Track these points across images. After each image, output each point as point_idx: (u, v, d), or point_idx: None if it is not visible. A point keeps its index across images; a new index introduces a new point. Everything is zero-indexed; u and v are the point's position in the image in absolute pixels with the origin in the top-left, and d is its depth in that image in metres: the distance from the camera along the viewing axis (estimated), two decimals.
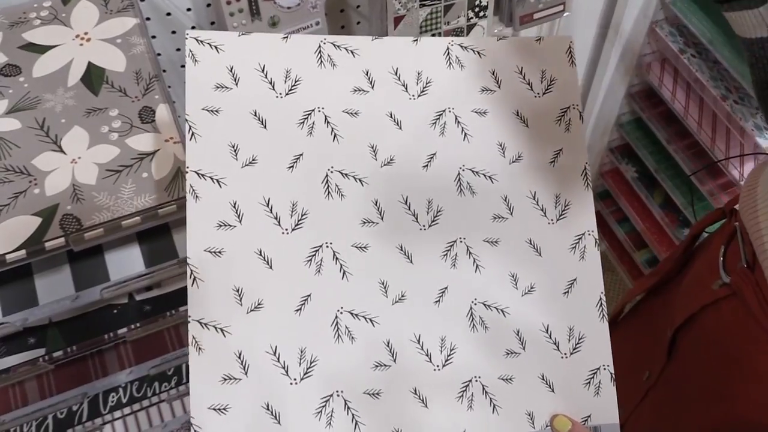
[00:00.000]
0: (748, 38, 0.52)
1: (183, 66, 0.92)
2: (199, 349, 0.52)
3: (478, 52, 0.59)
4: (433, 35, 0.89)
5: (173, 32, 0.88)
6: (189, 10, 0.87)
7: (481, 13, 0.90)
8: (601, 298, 0.58)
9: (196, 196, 0.54)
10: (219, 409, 0.52)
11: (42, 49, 0.73)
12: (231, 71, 0.55)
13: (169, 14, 0.86)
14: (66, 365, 0.75)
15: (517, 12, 0.96)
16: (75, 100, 0.69)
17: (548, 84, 0.60)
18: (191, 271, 0.53)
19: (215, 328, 0.53)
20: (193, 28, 0.89)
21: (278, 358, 0.54)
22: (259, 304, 0.54)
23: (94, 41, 0.73)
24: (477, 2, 0.89)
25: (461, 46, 0.59)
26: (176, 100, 0.89)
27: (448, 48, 0.59)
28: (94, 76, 0.70)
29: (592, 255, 0.58)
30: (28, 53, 0.72)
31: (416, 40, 0.58)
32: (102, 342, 0.72)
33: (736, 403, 0.56)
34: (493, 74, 0.60)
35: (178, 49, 0.90)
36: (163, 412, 0.83)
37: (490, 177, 0.58)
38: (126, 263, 0.68)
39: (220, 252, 0.54)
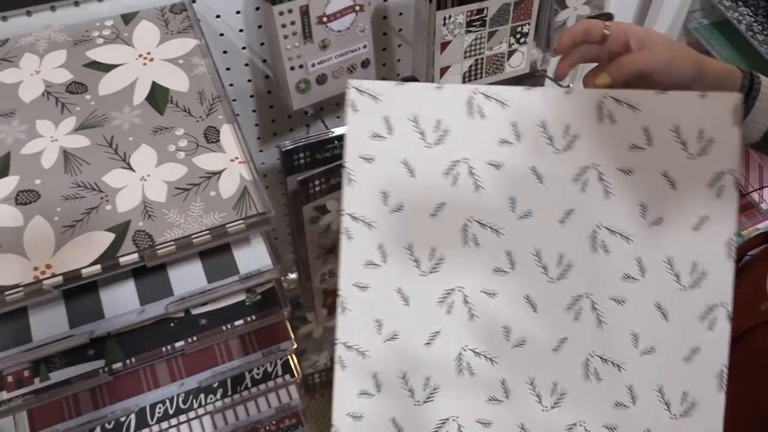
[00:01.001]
0: None
1: (231, 85, 0.95)
2: (343, 366, 0.60)
3: (633, 106, 0.57)
4: (476, 60, 0.91)
5: (224, 52, 0.90)
6: (241, 30, 0.89)
7: (522, 40, 0.93)
8: (722, 370, 0.57)
9: (349, 237, 0.60)
10: (355, 417, 0.60)
11: (106, 68, 0.75)
12: (386, 121, 0.58)
13: (222, 35, 0.88)
14: (120, 377, 0.76)
15: (554, 39, 0.99)
16: (141, 119, 0.71)
17: (705, 145, 0.56)
18: (341, 301, 0.60)
19: (356, 350, 0.60)
20: (243, 48, 0.91)
21: (406, 383, 0.60)
22: (394, 335, 0.60)
23: (157, 61, 0.76)
24: (519, 29, 0.92)
25: (615, 100, 0.57)
26: None
27: (601, 101, 0.57)
28: (158, 96, 0.73)
29: (721, 327, 0.56)
30: (93, 71, 0.74)
31: (569, 91, 0.57)
32: (160, 354, 0.73)
33: None
34: (646, 131, 0.57)
35: (228, 69, 0.92)
36: (205, 424, 0.85)
37: (626, 237, 0.58)
38: (188, 278, 0.70)
39: (365, 287, 0.60)
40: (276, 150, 1.06)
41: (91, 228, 0.63)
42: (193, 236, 0.64)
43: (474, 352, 0.60)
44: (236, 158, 0.69)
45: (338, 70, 0.90)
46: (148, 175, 0.67)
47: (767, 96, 0.59)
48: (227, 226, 0.64)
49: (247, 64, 0.93)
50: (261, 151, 1.05)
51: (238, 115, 0.98)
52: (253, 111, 0.99)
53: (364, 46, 0.91)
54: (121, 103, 0.72)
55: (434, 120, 0.58)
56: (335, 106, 1.06)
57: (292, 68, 0.86)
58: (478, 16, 0.87)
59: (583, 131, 0.57)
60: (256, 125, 1.01)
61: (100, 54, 0.76)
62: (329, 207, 0.96)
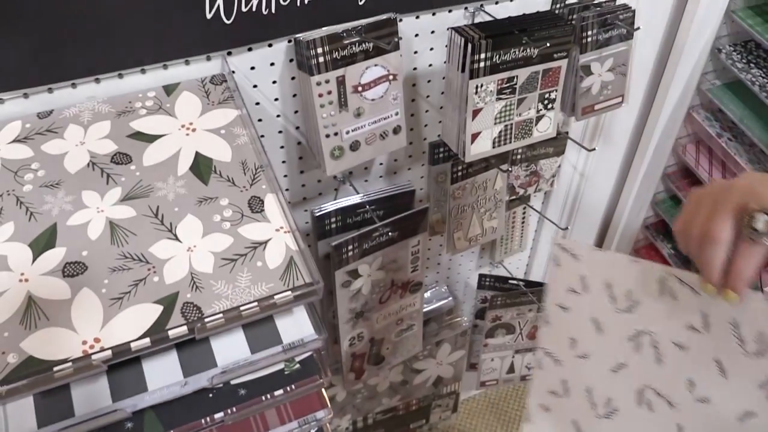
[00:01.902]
0: None
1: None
2: None
3: None
4: (506, 126, 0.93)
5: (260, 120, 0.92)
6: (276, 99, 0.91)
7: (550, 106, 0.95)
8: None
9: (540, 367, 0.68)
10: None
11: (150, 138, 0.76)
12: (582, 280, 0.62)
13: (258, 103, 0.90)
14: None
15: (580, 104, 1.01)
16: (186, 189, 0.71)
17: None
18: (528, 414, 0.71)
19: None
20: (278, 116, 0.93)
21: None
22: None
23: (200, 131, 0.77)
24: (547, 96, 0.93)
25: None
26: None
27: None
28: (202, 166, 0.73)
29: None
30: (137, 142, 0.75)
31: None
32: (199, 427, 0.72)
33: None
34: None
35: (263, 136, 0.93)
36: None
37: None
38: (231, 348, 0.69)
39: (548, 409, 0.70)
40: (304, 214, 1.07)
41: (139, 300, 0.63)
42: (241, 308, 0.63)
43: None
44: (281, 228, 0.69)
45: (371, 136, 0.91)
46: (195, 246, 0.67)
47: None
48: (275, 297, 0.64)
49: (280, 132, 0.94)
50: None
51: None
52: (285, 176, 1.00)
53: (396, 114, 0.92)
54: (165, 174, 0.73)
55: (626, 289, 0.60)
56: (364, 170, 1.07)
57: (327, 136, 0.87)
58: (508, 84, 0.89)
59: None
60: (287, 190, 1.02)
61: (143, 124, 0.77)
62: (361, 271, 0.97)
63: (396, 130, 0.94)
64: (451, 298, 1.38)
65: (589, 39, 0.95)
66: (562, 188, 1.40)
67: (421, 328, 1.16)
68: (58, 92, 0.77)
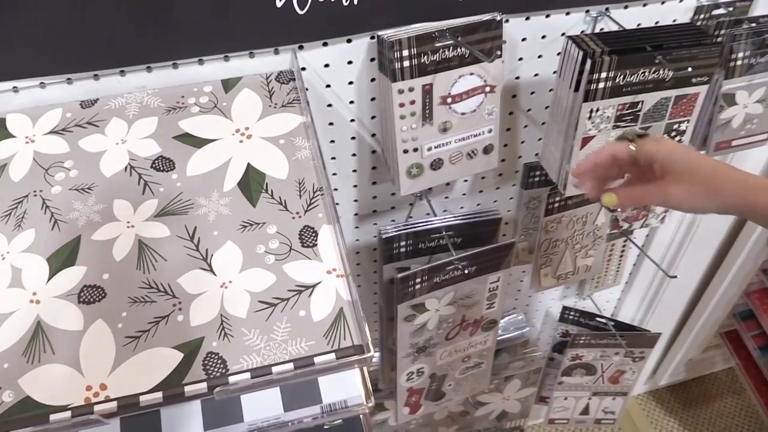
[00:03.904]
0: None
1: (334, 158, 0.84)
2: None
3: None
4: None
5: (331, 124, 0.80)
6: (352, 102, 0.79)
7: (678, 138, 0.78)
8: None
9: None
10: None
11: (199, 142, 0.66)
12: None
13: (330, 105, 0.78)
14: None
15: (714, 138, 0.84)
16: (230, 209, 0.61)
17: None
18: None
19: None
20: (351, 121, 0.81)
21: None
22: None
23: (255, 139, 0.66)
24: (676, 127, 0.77)
25: None
26: None
27: None
28: (252, 182, 0.63)
29: None
30: (184, 145, 0.66)
31: None
32: None
33: None
34: None
35: (332, 141, 0.82)
36: None
37: None
38: (261, 402, 0.59)
39: None
40: (372, 227, 0.95)
41: (158, 343, 0.53)
42: (273, 368, 0.52)
43: None
44: (334, 270, 0.57)
45: (456, 155, 0.78)
46: (230, 282, 0.56)
47: None
48: (315, 359, 0.53)
49: (353, 138, 0.82)
50: (357, 227, 0.94)
51: (336, 189, 0.87)
52: (354, 186, 0.88)
53: (489, 131, 0.78)
54: (209, 188, 0.62)
55: None
56: (445, 185, 0.94)
57: (405, 151, 0.75)
58: (630, 111, 0.73)
59: None
60: (355, 201, 0.90)
61: (193, 125, 0.67)
62: (428, 306, 0.84)
63: (487, 150, 0.80)
64: (528, 329, 1.24)
65: (738, 62, 0.77)
66: (672, 224, 1.21)
67: (490, 367, 1.03)
68: (105, 79, 0.68)
